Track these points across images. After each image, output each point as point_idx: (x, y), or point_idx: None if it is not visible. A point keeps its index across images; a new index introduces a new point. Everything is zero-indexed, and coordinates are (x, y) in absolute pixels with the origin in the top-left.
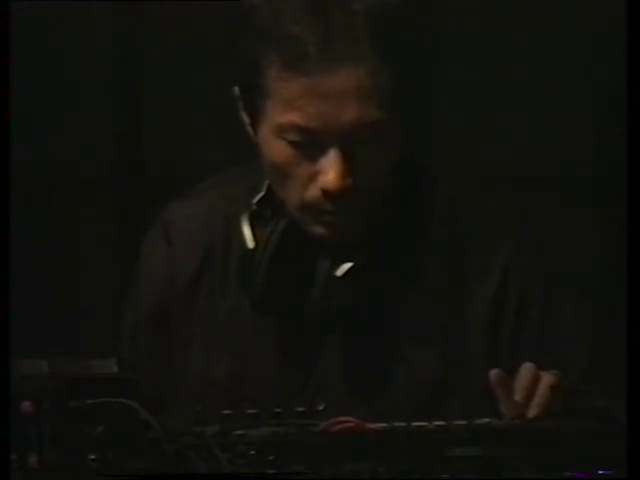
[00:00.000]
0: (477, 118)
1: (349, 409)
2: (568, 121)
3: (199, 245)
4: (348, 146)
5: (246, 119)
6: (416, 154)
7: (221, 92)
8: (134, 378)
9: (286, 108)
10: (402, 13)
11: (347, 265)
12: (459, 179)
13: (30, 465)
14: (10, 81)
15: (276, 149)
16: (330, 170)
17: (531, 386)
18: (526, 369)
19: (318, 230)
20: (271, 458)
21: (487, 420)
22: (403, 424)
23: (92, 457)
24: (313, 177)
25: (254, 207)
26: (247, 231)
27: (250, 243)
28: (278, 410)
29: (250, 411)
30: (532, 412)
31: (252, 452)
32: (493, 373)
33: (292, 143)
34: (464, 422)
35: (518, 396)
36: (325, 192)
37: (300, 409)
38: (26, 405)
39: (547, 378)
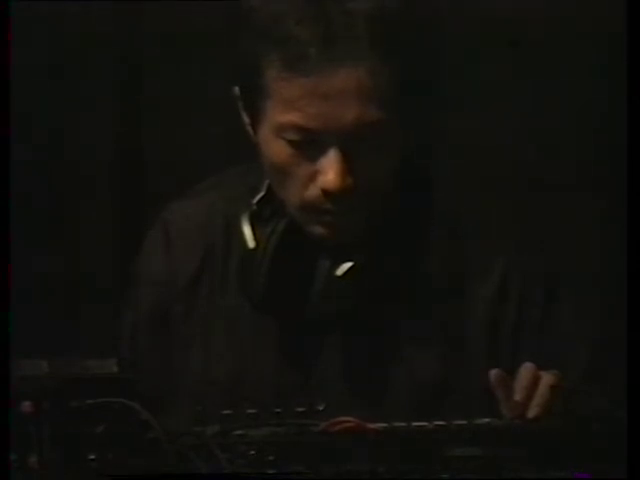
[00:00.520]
0: (477, 118)
1: (349, 409)
2: (568, 121)
3: (199, 245)
4: (348, 146)
5: (246, 119)
6: (416, 154)
7: (221, 92)
8: (134, 378)
9: (286, 108)
10: (402, 13)
11: (347, 265)
12: (459, 179)
13: (30, 465)
14: (10, 81)
15: (276, 149)
16: (330, 170)
17: (531, 386)
18: (526, 369)
19: (318, 230)
20: (271, 458)
21: (487, 420)
22: (403, 424)
23: (92, 457)
24: (313, 177)
25: (254, 207)
26: (247, 231)
27: (250, 243)
28: (278, 410)
29: (250, 411)
30: (532, 412)
31: (252, 452)
32: (493, 373)
33: (292, 143)
34: (464, 422)
35: (518, 396)
36: (325, 192)
37: (300, 409)
38: (26, 405)
39: (547, 378)
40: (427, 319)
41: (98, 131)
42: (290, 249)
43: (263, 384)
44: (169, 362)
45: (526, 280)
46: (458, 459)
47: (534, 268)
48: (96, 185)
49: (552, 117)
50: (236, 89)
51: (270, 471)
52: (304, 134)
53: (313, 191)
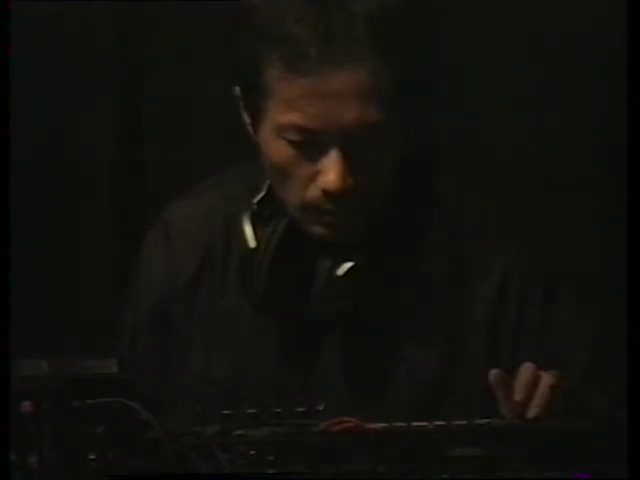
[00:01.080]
0: (477, 118)
1: (349, 409)
2: (568, 121)
3: (199, 245)
4: (349, 146)
5: (247, 119)
6: (416, 154)
7: (221, 92)
8: (134, 378)
9: (287, 108)
10: (402, 13)
11: (347, 265)
12: (459, 179)
13: (30, 465)
14: (10, 81)
15: (277, 149)
16: (331, 170)
17: (531, 386)
18: (526, 369)
19: (318, 230)
20: (271, 458)
21: (487, 420)
22: (403, 424)
23: (92, 457)
24: (314, 177)
25: (255, 207)
26: (248, 231)
27: (251, 243)
28: (278, 410)
29: (250, 411)
30: (532, 412)
31: (252, 452)
32: (493, 373)
33: (293, 143)
34: (464, 422)
35: (518, 396)
36: (325, 192)
37: (300, 409)
38: (26, 405)
39: (547, 378)
40: (427, 319)
41: (98, 131)
42: (290, 249)
43: (263, 384)
44: (169, 362)
45: (526, 280)
46: (458, 459)
47: (534, 268)
48: (96, 185)
49: (552, 117)
50: (237, 89)
51: (270, 471)
52: (305, 134)
53: (314, 191)
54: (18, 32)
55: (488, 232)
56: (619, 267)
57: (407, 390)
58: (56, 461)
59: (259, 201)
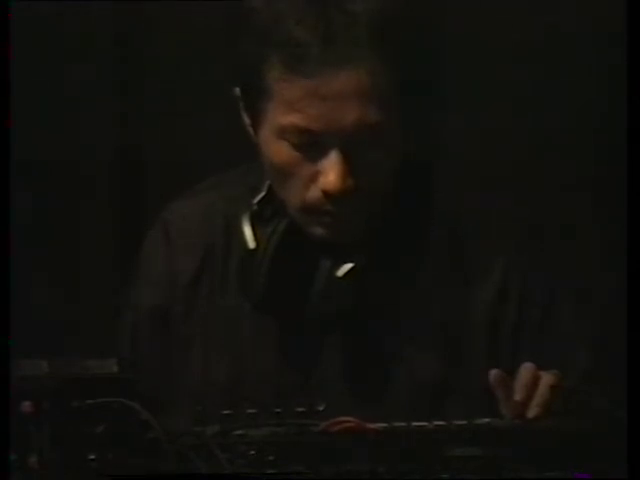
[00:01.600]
0: (477, 118)
1: (349, 409)
2: (568, 121)
3: (199, 245)
4: (349, 147)
5: (247, 120)
6: (416, 155)
7: (221, 92)
8: (134, 378)
9: (287, 109)
10: (402, 14)
11: (348, 266)
12: (459, 179)
13: (30, 465)
14: (10, 81)
15: (277, 150)
16: (331, 171)
17: (531, 386)
18: (526, 369)
19: (318, 231)
20: (271, 458)
21: (487, 420)
22: (403, 424)
23: (92, 457)
24: (314, 178)
25: (255, 207)
26: (248, 231)
27: (251, 243)
28: (278, 410)
29: (250, 411)
30: (532, 412)
31: (252, 452)
32: (493, 373)
33: (293, 144)
34: (464, 422)
35: (518, 396)
36: (326, 193)
37: (300, 409)
38: (26, 405)
39: (547, 378)
40: (427, 319)
41: (98, 131)
42: (290, 249)
43: (263, 384)
44: (169, 362)
45: (526, 280)
46: (458, 459)
47: (534, 268)
48: (96, 185)
49: (552, 117)
50: (237, 90)
51: (270, 471)
52: (305, 135)
53: (314, 192)
54: (18, 32)
55: (488, 232)
56: (619, 267)
57: (407, 390)
58: (56, 461)
59: (259, 201)
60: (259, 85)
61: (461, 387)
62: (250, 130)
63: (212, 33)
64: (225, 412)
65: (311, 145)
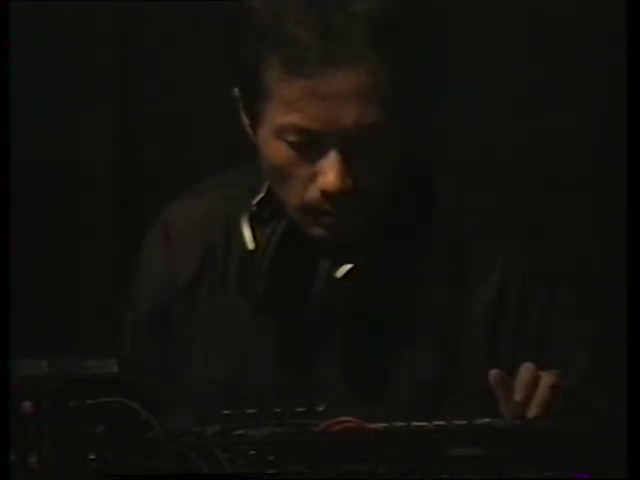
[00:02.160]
0: (477, 118)
1: (349, 409)
2: (568, 121)
3: (199, 245)
4: (348, 147)
5: (246, 120)
6: (416, 155)
7: (221, 92)
8: (134, 378)
9: (286, 109)
10: (402, 14)
11: (347, 266)
12: (459, 179)
13: (30, 465)
14: (10, 81)
15: (276, 150)
16: (330, 171)
17: (531, 386)
18: (526, 369)
19: (318, 231)
20: (271, 458)
21: (487, 420)
22: (403, 424)
23: (92, 457)
24: (313, 178)
25: (254, 208)
26: (247, 232)
27: (250, 244)
28: (278, 410)
29: (250, 411)
30: (532, 412)
31: (252, 452)
32: (493, 373)
33: (292, 144)
34: (464, 422)
35: (518, 396)
36: (324, 193)
37: (300, 409)
38: (26, 405)
39: (547, 378)
40: (427, 319)
41: (98, 131)
42: (290, 250)
43: (263, 384)
44: (169, 362)
45: (526, 280)
46: (458, 459)
47: (534, 268)
48: (96, 185)
49: (552, 117)
50: (236, 90)
51: (270, 471)
52: (304, 135)
53: (313, 192)
54: (18, 32)
55: (488, 232)
56: (619, 267)
57: (407, 390)
58: (56, 461)
59: (258, 202)
60: (258, 85)
61: (461, 387)
62: (249, 130)
63: (212, 33)
64: (225, 412)
65: (310, 145)
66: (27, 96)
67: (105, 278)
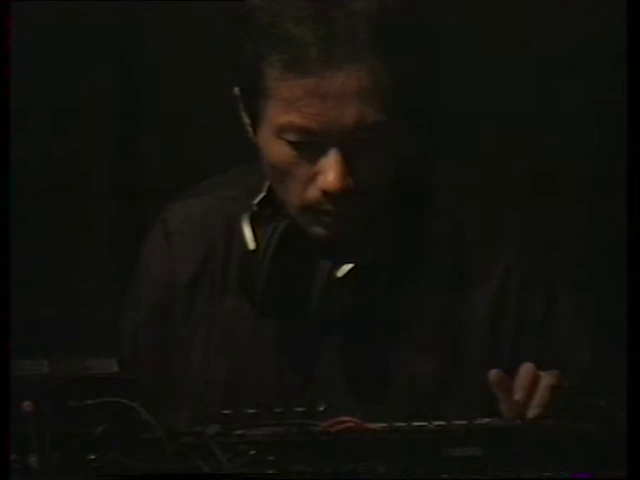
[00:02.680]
0: (477, 119)
1: (349, 409)
2: (568, 121)
3: (199, 245)
4: (348, 147)
5: (246, 119)
6: (416, 154)
7: (221, 92)
8: (134, 378)
9: (286, 109)
10: (402, 14)
11: (348, 266)
12: (459, 179)
13: (30, 465)
14: (10, 81)
15: (276, 150)
16: (330, 171)
17: (531, 386)
18: (526, 369)
19: (318, 231)
20: (271, 458)
21: (487, 420)
22: (403, 424)
23: (92, 457)
24: (313, 178)
25: (255, 208)
26: (248, 232)
27: (251, 244)
28: (278, 410)
29: (250, 411)
30: (532, 412)
31: (252, 452)
32: (493, 373)
33: (292, 144)
34: (464, 422)
35: (518, 396)
36: (325, 193)
37: (300, 409)
38: (26, 405)
39: (547, 378)
40: (427, 319)
41: (98, 131)
42: (291, 250)
43: (263, 384)
44: (169, 362)
45: (526, 280)
46: (458, 459)
47: (534, 268)
48: (96, 185)
49: (552, 118)
50: (236, 89)
51: (270, 471)
52: (304, 135)
53: (313, 192)
54: (18, 32)
55: (489, 232)
56: (619, 267)
57: (407, 390)
58: (56, 461)
59: (259, 202)
60: (259, 84)
61: (461, 387)
62: (249, 130)
63: (212, 33)
64: (225, 412)
65: (310, 144)
66: (27, 96)
67: (105, 278)
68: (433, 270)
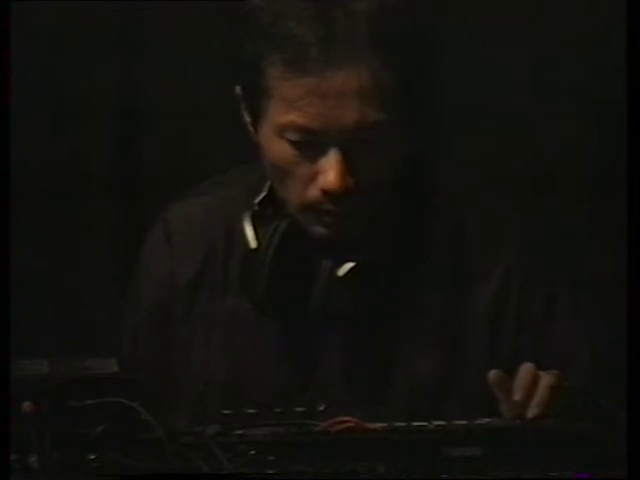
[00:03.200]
0: (478, 118)
1: (349, 409)
2: (568, 122)
3: (199, 245)
4: (349, 146)
5: (247, 119)
6: (417, 154)
7: (222, 92)
8: (134, 378)
9: (287, 108)
10: (402, 14)
11: (349, 265)
12: (460, 179)
13: (30, 465)
14: (10, 81)
15: (277, 149)
16: (330, 170)
17: (531, 386)
18: (526, 369)
19: (319, 230)
20: (271, 458)
21: (487, 420)
22: (403, 424)
23: (92, 457)
24: (313, 177)
25: (256, 207)
26: (249, 231)
27: (252, 243)
28: (278, 410)
29: (250, 411)
30: (532, 412)
31: (252, 452)
32: (493, 373)
33: (293, 143)
34: (464, 422)
35: (518, 396)
36: (325, 192)
37: (300, 409)
38: (26, 405)
39: (547, 378)
40: (427, 319)
41: (98, 131)
42: (292, 249)
43: (263, 384)
44: (169, 362)
45: (526, 280)
46: (458, 459)
47: (534, 268)
48: (96, 185)
49: (553, 118)
50: (237, 89)
51: (270, 471)
52: (305, 134)
53: (313, 191)
54: (18, 32)
55: (489, 231)
56: (619, 267)
57: (407, 390)
58: (56, 461)
59: (260, 201)
60: (259, 84)
61: (461, 387)
62: (250, 129)
63: (212, 33)
64: (225, 412)
65: (311, 144)
66: (27, 96)
67: (105, 278)
68: (433, 270)
